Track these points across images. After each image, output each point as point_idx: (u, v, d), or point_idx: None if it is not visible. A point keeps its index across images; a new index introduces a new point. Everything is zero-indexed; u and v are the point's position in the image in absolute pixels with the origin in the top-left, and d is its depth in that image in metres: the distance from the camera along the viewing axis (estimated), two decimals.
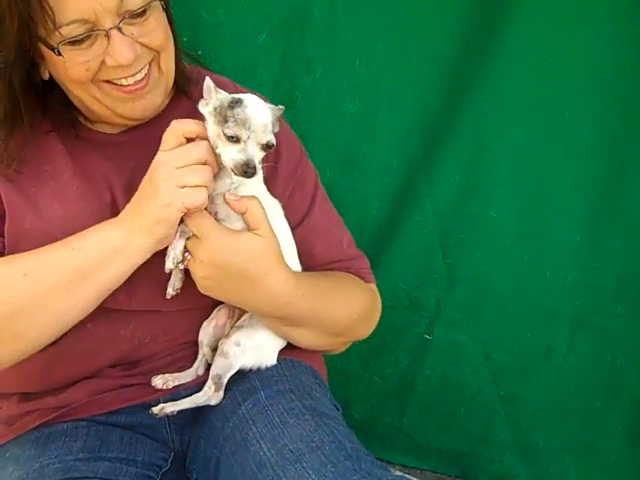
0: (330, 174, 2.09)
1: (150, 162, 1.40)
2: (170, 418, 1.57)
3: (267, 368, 1.58)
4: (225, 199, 1.40)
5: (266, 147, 1.35)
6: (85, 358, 1.54)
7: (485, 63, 1.99)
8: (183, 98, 1.61)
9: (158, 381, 1.56)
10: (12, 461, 1.46)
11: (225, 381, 1.51)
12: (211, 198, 1.41)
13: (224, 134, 1.33)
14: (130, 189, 1.47)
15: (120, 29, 1.37)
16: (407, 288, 2.22)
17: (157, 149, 1.42)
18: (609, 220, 2.09)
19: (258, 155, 1.35)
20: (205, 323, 1.57)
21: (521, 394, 2.29)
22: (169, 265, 1.42)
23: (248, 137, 1.33)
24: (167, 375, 1.57)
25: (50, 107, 1.53)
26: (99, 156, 1.54)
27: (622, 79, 1.94)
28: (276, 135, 1.39)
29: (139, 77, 1.45)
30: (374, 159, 2.11)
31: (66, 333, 1.49)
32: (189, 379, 1.58)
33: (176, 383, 1.57)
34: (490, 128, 2.05)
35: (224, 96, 1.38)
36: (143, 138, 1.51)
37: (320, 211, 1.69)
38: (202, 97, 1.43)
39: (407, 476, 2.20)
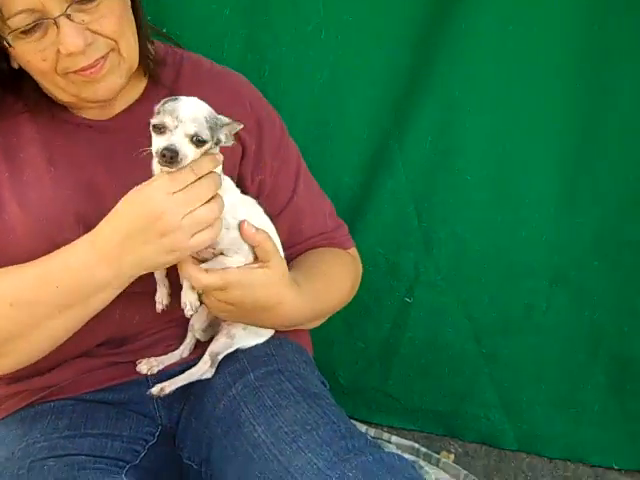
0: (302, 145, 2.05)
1: (129, 147, 1.37)
2: None
3: (255, 348, 1.62)
4: (242, 229, 1.40)
5: (196, 141, 1.29)
6: (74, 339, 1.53)
7: (452, 24, 1.98)
8: (157, 86, 1.60)
9: (143, 367, 1.58)
10: None
11: (220, 358, 1.56)
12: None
13: (151, 125, 1.29)
14: (109, 174, 1.49)
15: (69, 16, 1.35)
16: (385, 253, 2.24)
17: (136, 134, 1.37)
18: (583, 176, 2.10)
19: (186, 147, 1.28)
20: (200, 309, 1.56)
21: (503, 352, 2.32)
22: (189, 314, 1.45)
23: (175, 127, 1.27)
24: (152, 359, 1.60)
25: (25, 92, 1.52)
26: (76, 141, 1.53)
27: (590, 33, 1.94)
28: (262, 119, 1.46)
29: (93, 62, 1.42)
30: (345, 128, 2.12)
31: None
32: (173, 361, 1.61)
33: (161, 367, 1.59)
34: (460, 90, 2.05)
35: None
36: (122, 124, 1.54)
37: (304, 187, 1.72)
38: (175, 77, 1.40)
39: (399, 452, 2.23)
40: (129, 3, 1.48)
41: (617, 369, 2.28)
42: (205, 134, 1.29)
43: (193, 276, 1.39)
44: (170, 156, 1.26)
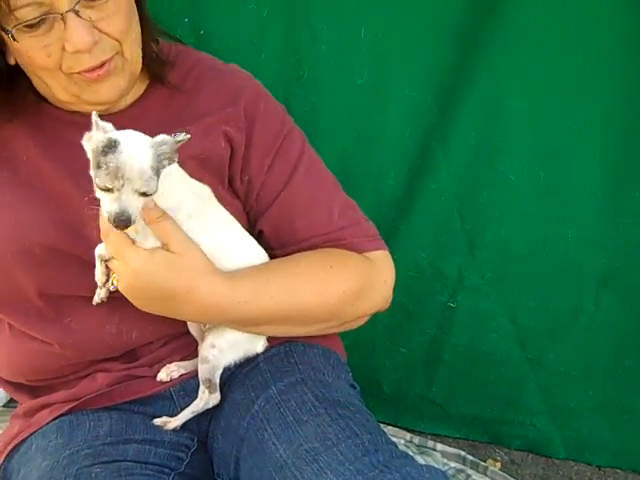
0: (343, 147, 2.06)
1: None
2: (182, 408, 1.54)
3: (278, 358, 1.56)
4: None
5: (146, 194, 1.24)
6: (75, 355, 1.53)
7: (495, 19, 1.93)
8: (157, 83, 1.57)
9: (162, 375, 1.54)
10: (40, 452, 1.46)
11: (217, 382, 1.49)
12: None
13: (95, 182, 1.23)
14: (87, 181, 1.44)
15: (77, 12, 1.32)
16: (428, 257, 2.19)
17: None
18: (631, 175, 2.04)
19: (135, 202, 1.23)
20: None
21: (550, 356, 2.26)
22: (96, 299, 1.44)
23: (122, 185, 1.21)
24: (171, 365, 1.55)
25: (13, 93, 1.49)
26: (61, 144, 1.49)
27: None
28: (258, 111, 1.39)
29: (98, 63, 1.39)
30: (387, 129, 2.07)
31: (51, 330, 1.50)
32: (193, 368, 1.55)
33: (182, 372, 1.55)
34: (504, 88, 2.00)
35: (101, 137, 1.24)
36: (120, 123, 1.47)
37: (304, 180, 1.58)
38: (181, 80, 1.37)
39: (445, 460, 2.19)
40: (134, 4, 1.45)
41: None
42: (153, 187, 1.23)
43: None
44: (124, 224, 1.23)
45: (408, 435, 2.23)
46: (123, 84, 1.47)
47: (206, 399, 1.50)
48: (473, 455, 2.20)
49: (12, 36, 1.33)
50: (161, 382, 1.54)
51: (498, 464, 2.34)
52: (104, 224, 1.33)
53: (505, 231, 2.14)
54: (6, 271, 1.47)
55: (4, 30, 1.34)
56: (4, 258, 1.46)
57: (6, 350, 1.59)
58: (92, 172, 1.24)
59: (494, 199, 2.11)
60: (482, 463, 2.13)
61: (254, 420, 1.44)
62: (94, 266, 1.44)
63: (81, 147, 1.32)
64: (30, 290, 1.48)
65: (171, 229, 1.34)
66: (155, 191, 1.25)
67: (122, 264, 1.35)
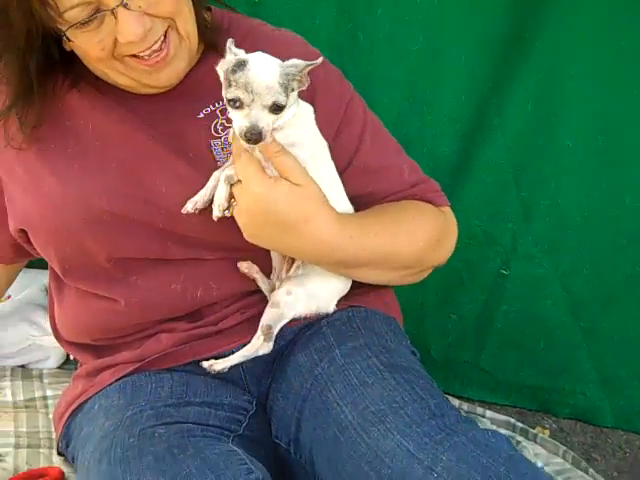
0: (397, 113, 2.05)
1: (176, 117, 1.46)
2: (245, 369, 1.57)
3: (341, 322, 1.57)
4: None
5: (275, 109, 1.29)
6: (140, 314, 1.55)
7: None
8: (212, 51, 1.55)
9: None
10: (102, 412, 1.49)
11: (276, 331, 1.49)
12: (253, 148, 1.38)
13: (226, 99, 1.30)
14: (156, 142, 1.48)
15: (126, 5, 1.32)
16: (482, 224, 2.19)
17: (182, 102, 1.46)
18: None
19: (265, 119, 1.28)
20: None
21: (603, 325, 2.25)
22: (216, 213, 1.41)
23: (252, 100, 1.27)
24: (251, 264, 1.55)
25: (71, 65, 1.50)
26: (122, 111, 1.51)
27: None
28: (309, 86, 1.35)
29: (156, 47, 1.40)
30: (441, 95, 2.07)
31: (117, 288, 1.53)
32: (264, 285, 1.55)
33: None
34: (562, 57, 1.99)
35: (231, 59, 1.31)
36: (172, 93, 1.50)
37: (372, 146, 1.61)
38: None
39: (494, 427, 2.19)
40: None
41: None
42: (282, 100, 1.28)
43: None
44: (255, 138, 1.28)
45: (457, 402, 2.22)
46: (183, 65, 1.48)
47: (258, 346, 1.49)
48: (522, 423, 2.20)
49: (67, 37, 1.36)
50: (226, 342, 1.55)
51: (547, 432, 2.33)
52: (236, 145, 1.37)
53: (561, 198, 2.13)
54: (76, 238, 1.51)
55: (57, 31, 1.36)
56: (74, 225, 1.49)
57: (72, 311, 1.63)
58: (224, 92, 1.30)
59: (550, 166, 2.10)
60: (532, 430, 2.12)
61: (317, 382, 1.45)
62: (161, 230, 1.47)
63: (142, 106, 1.39)
64: (99, 255, 1.52)
65: (290, 163, 1.37)
66: (284, 106, 1.29)
67: (246, 187, 1.37)
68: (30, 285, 2.23)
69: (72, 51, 1.45)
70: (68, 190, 1.48)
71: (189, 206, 1.43)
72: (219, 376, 1.54)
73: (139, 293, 1.53)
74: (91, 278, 1.55)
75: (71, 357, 2.12)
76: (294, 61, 1.33)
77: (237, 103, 1.27)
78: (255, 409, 1.56)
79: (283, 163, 1.36)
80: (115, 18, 1.33)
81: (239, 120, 1.29)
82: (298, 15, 2.00)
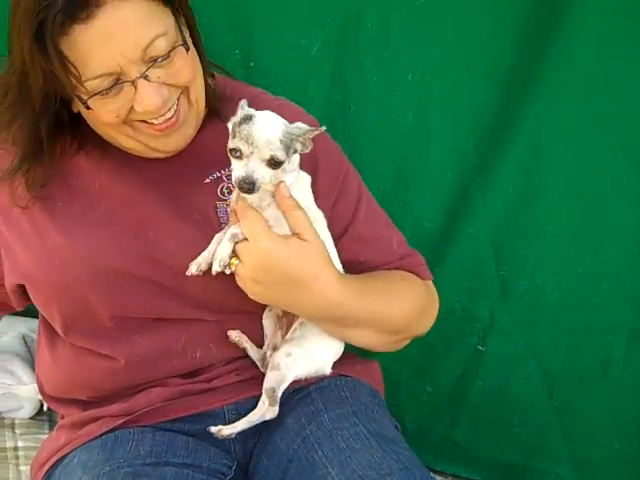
0: (383, 186, 2.07)
1: (182, 180, 1.50)
2: None
3: (329, 389, 1.59)
4: (277, 190, 1.40)
5: (273, 163, 1.34)
6: (139, 373, 1.57)
7: (540, 72, 1.95)
8: (215, 117, 1.61)
9: (193, 269, 1.49)
10: (80, 466, 1.49)
11: (279, 394, 1.51)
12: (260, 207, 1.43)
13: (228, 149, 1.37)
14: (161, 204, 1.51)
15: (146, 77, 1.37)
16: (460, 300, 2.20)
17: (188, 166, 1.51)
18: None
19: (262, 171, 1.35)
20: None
21: (576, 406, 2.24)
22: (216, 267, 1.43)
23: (251, 152, 1.33)
24: (238, 333, 1.58)
25: (78, 129, 1.54)
26: (128, 173, 1.55)
27: None
28: (313, 149, 1.42)
29: (169, 115, 1.45)
30: (427, 171, 2.09)
31: (118, 346, 1.54)
32: (253, 352, 1.59)
33: (244, 342, 1.57)
34: (546, 139, 2.01)
35: (240, 113, 1.40)
36: (178, 157, 1.55)
37: (365, 217, 1.68)
38: (233, 114, 1.43)
39: None
40: (194, 47, 1.48)
41: None
42: (280, 155, 1.34)
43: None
44: (247, 188, 1.33)
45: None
46: (191, 131, 1.53)
47: (264, 410, 1.51)
48: None
49: (87, 105, 1.39)
50: (217, 399, 1.57)
51: None
52: (243, 204, 1.41)
53: (540, 279, 2.14)
54: (80, 295, 1.52)
55: (76, 98, 1.39)
56: (79, 283, 1.51)
57: (66, 367, 1.62)
58: (229, 143, 1.37)
59: (530, 247, 2.11)
60: None
61: (304, 443, 1.47)
62: (166, 288, 1.50)
63: (149, 168, 1.44)
64: (103, 313, 1.53)
65: (303, 219, 1.42)
66: (282, 162, 1.35)
67: (254, 243, 1.40)
68: (7, 332, 2.23)
69: (79, 113, 1.48)
70: (74, 246, 1.50)
71: (193, 268, 1.46)
72: (208, 431, 1.54)
73: (140, 352, 1.55)
74: (93, 336, 1.56)
75: (44, 408, 2.12)
76: (299, 124, 1.40)
77: (237, 153, 1.34)
78: (233, 474, 1.56)
79: (297, 218, 1.41)
80: (135, 88, 1.37)
81: (237, 169, 1.35)
82: (292, 83, 2.02)
